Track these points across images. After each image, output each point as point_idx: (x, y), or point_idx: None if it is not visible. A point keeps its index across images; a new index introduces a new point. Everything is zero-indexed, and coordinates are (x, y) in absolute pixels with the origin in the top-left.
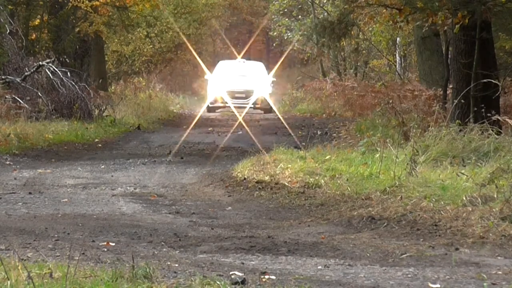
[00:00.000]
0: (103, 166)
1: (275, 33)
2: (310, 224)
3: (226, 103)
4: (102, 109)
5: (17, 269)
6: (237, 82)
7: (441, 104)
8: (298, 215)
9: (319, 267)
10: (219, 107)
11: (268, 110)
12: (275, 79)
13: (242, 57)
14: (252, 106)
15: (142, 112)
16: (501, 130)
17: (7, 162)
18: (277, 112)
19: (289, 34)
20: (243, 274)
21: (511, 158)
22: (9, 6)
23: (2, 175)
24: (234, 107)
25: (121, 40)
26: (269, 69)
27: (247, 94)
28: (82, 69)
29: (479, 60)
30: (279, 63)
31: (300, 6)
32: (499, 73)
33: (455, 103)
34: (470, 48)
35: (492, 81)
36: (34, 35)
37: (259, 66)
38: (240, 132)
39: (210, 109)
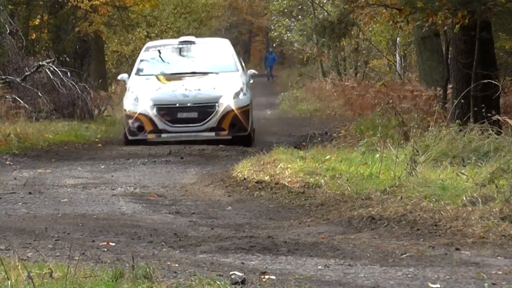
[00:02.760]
0: (103, 166)
1: (275, 34)
2: (310, 224)
3: (160, 131)
4: (102, 109)
5: (17, 269)
6: (178, 86)
7: (441, 104)
8: (298, 215)
9: (319, 267)
10: (143, 140)
11: (246, 138)
12: (255, 72)
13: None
14: (214, 132)
15: None
16: (501, 130)
17: (7, 162)
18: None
19: (289, 34)
20: (243, 274)
21: (511, 158)
22: (9, 6)
23: (2, 175)
24: (176, 136)
25: (121, 40)
26: (245, 55)
27: (201, 111)
28: (82, 69)
29: (479, 60)
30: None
31: (300, 6)
32: (499, 73)
33: (455, 103)
34: (470, 48)
35: (492, 81)
36: (34, 35)
37: (223, 49)
38: None
39: (130, 142)
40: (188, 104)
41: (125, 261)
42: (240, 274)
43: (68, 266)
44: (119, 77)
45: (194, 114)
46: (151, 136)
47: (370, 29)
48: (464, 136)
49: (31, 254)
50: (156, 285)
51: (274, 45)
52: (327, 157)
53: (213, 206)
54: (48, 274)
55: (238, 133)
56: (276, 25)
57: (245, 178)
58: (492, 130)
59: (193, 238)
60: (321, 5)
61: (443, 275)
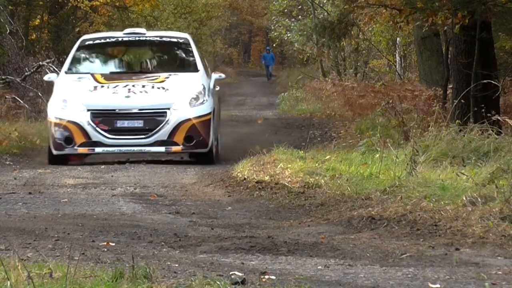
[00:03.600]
0: (103, 166)
1: (275, 34)
2: (310, 224)
3: (94, 144)
4: None
5: (17, 269)
6: (120, 88)
7: (441, 104)
8: (298, 215)
9: (319, 267)
10: (75, 155)
11: (206, 156)
12: (223, 76)
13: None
14: (163, 147)
15: None
16: (501, 130)
17: (7, 162)
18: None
19: (289, 34)
20: (243, 274)
21: (511, 158)
22: (9, 6)
23: (2, 175)
24: (115, 151)
25: None
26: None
27: (148, 120)
28: None
29: (479, 60)
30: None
31: (300, 6)
32: (499, 73)
33: (455, 103)
34: (470, 48)
35: (492, 81)
36: (34, 35)
37: (181, 44)
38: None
39: (55, 157)
40: (132, 110)
41: (125, 261)
42: (240, 274)
43: (68, 266)
44: (45, 78)
45: (138, 123)
46: (82, 150)
47: (370, 29)
48: (464, 136)
49: (31, 254)
50: (156, 285)
51: (274, 45)
52: (327, 157)
53: (213, 206)
54: (48, 274)
55: (196, 148)
56: (276, 25)
57: (245, 178)
58: (492, 130)
59: (193, 238)
60: (321, 5)
61: (443, 275)
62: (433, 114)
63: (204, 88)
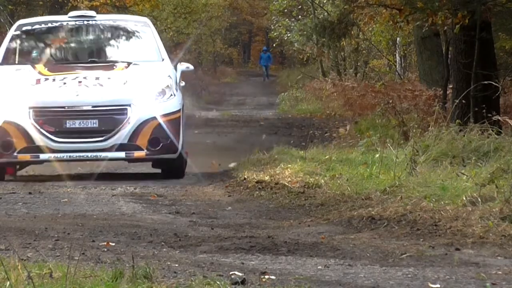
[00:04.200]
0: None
1: (275, 34)
2: (310, 224)
3: (39, 149)
4: None
5: (17, 269)
6: (69, 81)
7: (441, 104)
8: (298, 215)
9: (319, 267)
10: (13, 164)
11: (175, 163)
12: (191, 68)
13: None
14: (123, 152)
15: None
16: (501, 130)
17: None
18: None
19: (289, 34)
20: (243, 274)
21: (511, 158)
22: (9, 6)
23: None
24: (64, 158)
25: None
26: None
27: (104, 119)
28: None
29: (479, 60)
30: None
31: (300, 6)
32: (499, 73)
33: (455, 103)
34: (470, 48)
35: (492, 82)
36: None
37: (139, 29)
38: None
39: None
40: (84, 108)
41: (125, 261)
42: (240, 274)
43: (68, 266)
44: None
45: (92, 123)
46: (23, 158)
47: (370, 29)
48: (464, 136)
49: (31, 254)
50: (156, 285)
51: (274, 45)
52: (327, 157)
53: (213, 206)
54: (48, 274)
55: (163, 153)
56: (276, 25)
57: (245, 178)
58: (492, 130)
59: (193, 238)
60: (321, 5)
61: (443, 275)
62: (433, 114)
63: (170, 79)
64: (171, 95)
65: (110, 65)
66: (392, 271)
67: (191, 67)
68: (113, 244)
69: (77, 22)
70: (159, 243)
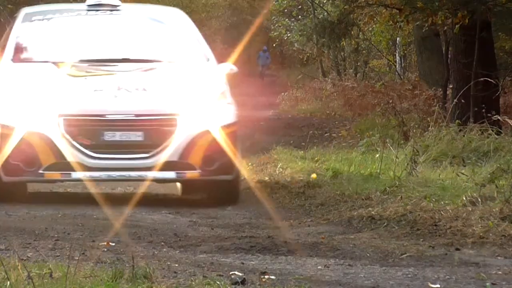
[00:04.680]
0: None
1: (275, 34)
2: (310, 224)
3: (70, 166)
4: None
5: (17, 269)
6: (105, 84)
7: (441, 104)
8: (298, 215)
9: (319, 267)
10: (40, 182)
11: (230, 186)
12: (234, 69)
13: None
14: (173, 172)
15: None
16: (501, 130)
17: None
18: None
19: (289, 34)
20: (243, 274)
21: (511, 158)
22: (9, 6)
23: None
24: (102, 177)
25: None
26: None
27: (150, 130)
28: None
29: (479, 60)
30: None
31: (300, 6)
32: (499, 73)
33: (455, 103)
34: (470, 48)
35: (492, 81)
36: None
37: (176, 22)
38: None
39: (3, 190)
40: (126, 117)
41: (125, 261)
42: (240, 274)
43: (68, 266)
44: None
45: (136, 136)
46: (51, 176)
47: (370, 29)
48: (464, 136)
49: (31, 254)
50: (156, 285)
51: (274, 45)
52: (327, 157)
53: (213, 206)
54: (48, 274)
55: (219, 174)
56: (276, 25)
57: (245, 178)
58: (492, 130)
59: (193, 238)
60: (321, 5)
61: (443, 275)
62: (433, 114)
63: (226, 85)
64: (227, 103)
65: (149, 65)
66: (392, 271)
67: (235, 68)
68: (113, 244)
69: (98, 13)
70: (159, 243)
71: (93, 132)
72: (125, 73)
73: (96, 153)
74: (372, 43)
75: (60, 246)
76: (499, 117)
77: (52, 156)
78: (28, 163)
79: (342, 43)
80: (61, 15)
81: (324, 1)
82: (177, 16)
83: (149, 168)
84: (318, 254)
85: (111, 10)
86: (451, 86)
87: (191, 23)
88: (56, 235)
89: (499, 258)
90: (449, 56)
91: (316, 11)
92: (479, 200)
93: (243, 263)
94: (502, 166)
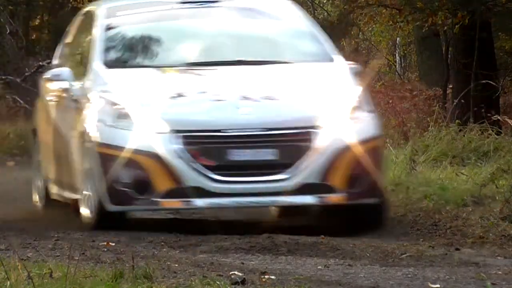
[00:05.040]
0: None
1: None
2: (310, 224)
3: (187, 193)
4: None
5: (17, 269)
6: (226, 92)
7: (441, 104)
8: (298, 215)
9: (319, 267)
10: (155, 210)
11: (375, 211)
12: (359, 69)
13: None
14: (312, 195)
15: None
16: (501, 130)
17: (7, 162)
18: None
19: None
20: (243, 274)
21: (511, 158)
22: (9, 6)
23: (3, 175)
24: (229, 204)
25: None
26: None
27: (283, 147)
28: None
29: (478, 60)
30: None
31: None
32: (499, 73)
33: (455, 103)
34: (470, 48)
35: (492, 82)
36: (34, 35)
37: (287, 14)
38: None
39: (108, 219)
40: (255, 132)
41: (125, 261)
42: (240, 274)
43: (68, 266)
44: (48, 75)
45: (269, 154)
46: (169, 204)
47: (370, 29)
48: (464, 136)
49: (31, 254)
50: (156, 285)
51: None
52: None
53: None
54: (48, 274)
55: (365, 197)
56: None
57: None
58: (492, 130)
59: (193, 238)
60: (321, 5)
61: (443, 275)
62: (433, 114)
63: (365, 90)
64: (369, 112)
65: (269, 67)
66: (392, 271)
67: (359, 67)
68: (113, 244)
69: (192, 7)
70: (159, 243)
71: (217, 150)
72: (245, 78)
73: (221, 175)
74: (372, 43)
75: (60, 246)
76: (499, 117)
77: (168, 180)
78: (140, 188)
79: (342, 43)
80: (150, 9)
81: (324, 1)
82: (288, 8)
83: (284, 192)
84: (318, 254)
85: (209, 2)
86: (451, 86)
87: (306, 15)
88: (56, 235)
89: (499, 258)
90: (449, 56)
91: (316, 11)
92: (479, 200)
93: (243, 263)
94: (502, 166)
